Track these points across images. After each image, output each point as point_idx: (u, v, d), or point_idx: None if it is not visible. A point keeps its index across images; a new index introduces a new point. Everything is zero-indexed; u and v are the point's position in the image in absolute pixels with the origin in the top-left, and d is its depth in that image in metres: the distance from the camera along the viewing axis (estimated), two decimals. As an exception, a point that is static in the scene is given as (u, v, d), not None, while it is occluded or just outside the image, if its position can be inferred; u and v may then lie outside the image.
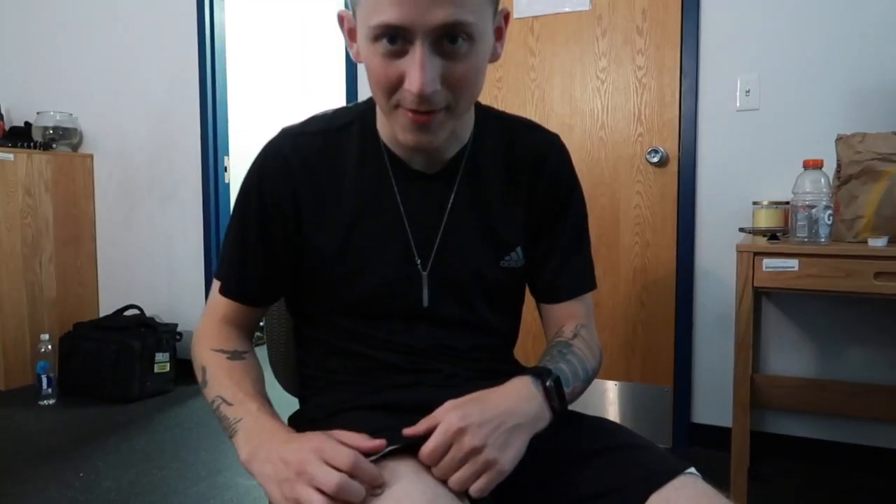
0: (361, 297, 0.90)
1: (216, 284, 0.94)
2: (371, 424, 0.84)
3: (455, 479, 0.71)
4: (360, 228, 0.89)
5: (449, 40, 0.74)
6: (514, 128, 0.96)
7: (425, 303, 0.90)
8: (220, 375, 0.86)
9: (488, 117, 0.96)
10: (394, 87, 0.76)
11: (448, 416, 0.72)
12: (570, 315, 0.96)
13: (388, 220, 0.89)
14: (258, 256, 0.91)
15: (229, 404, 0.82)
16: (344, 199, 0.89)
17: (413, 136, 0.79)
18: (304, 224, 0.89)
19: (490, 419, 0.73)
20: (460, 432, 0.71)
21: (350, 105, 0.96)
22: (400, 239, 0.89)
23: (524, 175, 0.94)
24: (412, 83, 0.73)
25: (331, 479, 0.66)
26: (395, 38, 0.73)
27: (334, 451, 0.69)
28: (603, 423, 0.89)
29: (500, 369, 0.95)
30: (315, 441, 0.71)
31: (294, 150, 0.88)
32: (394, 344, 0.91)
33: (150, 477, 2.17)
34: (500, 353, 1.00)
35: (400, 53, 0.74)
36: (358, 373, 0.92)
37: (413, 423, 0.85)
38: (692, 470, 0.78)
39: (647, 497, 0.74)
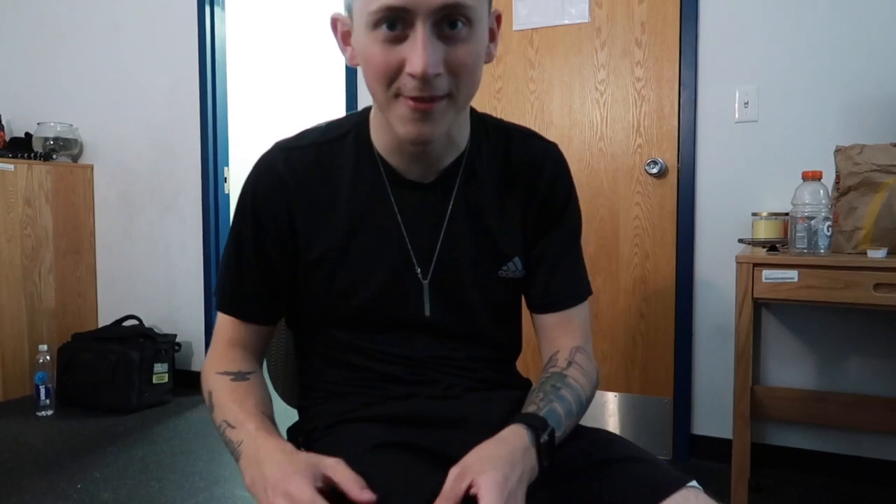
0: (360, 309, 0.89)
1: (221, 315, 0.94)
2: (369, 437, 0.84)
3: None
4: (357, 239, 0.88)
5: (448, 25, 0.74)
6: (512, 136, 0.95)
7: (426, 312, 0.89)
8: (223, 398, 0.85)
9: (485, 125, 0.95)
10: (394, 74, 0.75)
11: (493, 484, 0.66)
12: (565, 329, 0.94)
13: (385, 230, 0.88)
14: (256, 273, 0.90)
15: (232, 427, 0.80)
16: (340, 211, 0.88)
17: (414, 127, 0.77)
18: (300, 238, 0.89)
19: (519, 482, 0.70)
20: (511, 497, 0.67)
21: (345, 116, 0.95)
22: (399, 249, 0.89)
23: (521, 184, 0.93)
24: (415, 66, 0.72)
25: None
26: (395, 22, 0.73)
27: (300, 492, 0.67)
28: (603, 434, 0.88)
29: (499, 381, 0.95)
30: (281, 482, 0.69)
31: (287, 165, 0.88)
32: (392, 355, 0.90)
33: (147, 488, 2.16)
34: (500, 364, 0.98)
35: (400, 39, 0.74)
36: (356, 384, 0.92)
37: (411, 435, 0.84)
38: (694, 483, 0.77)
39: None
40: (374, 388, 0.91)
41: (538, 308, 0.96)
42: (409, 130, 0.78)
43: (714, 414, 2.39)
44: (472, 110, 0.93)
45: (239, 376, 0.87)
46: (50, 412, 2.94)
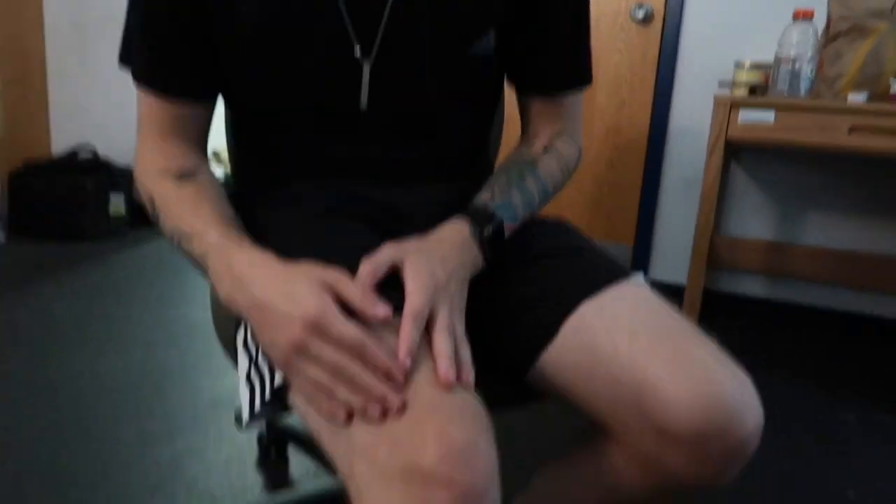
0: (283, 97, 0.73)
1: (140, 92, 0.75)
2: (314, 201, 0.76)
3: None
4: (278, 10, 0.68)
5: None
6: None
7: (364, 103, 0.73)
8: (170, 204, 0.70)
9: None
10: None
11: (419, 270, 0.59)
12: (555, 113, 0.83)
13: None
14: (176, 31, 0.70)
15: (188, 238, 0.67)
16: None
17: None
18: (212, 6, 0.69)
19: (450, 277, 0.62)
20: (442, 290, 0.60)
21: None
22: (332, 18, 0.69)
23: None
24: None
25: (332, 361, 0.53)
26: None
27: (339, 328, 0.53)
28: (558, 225, 0.81)
29: (462, 174, 0.84)
30: (311, 303, 0.53)
31: None
32: (323, 160, 0.77)
33: (101, 307, 2.14)
34: (465, 160, 0.86)
35: None
36: (289, 191, 0.80)
37: (356, 206, 0.76)
38: (640, 278, 0.71)
39: (578, 303, 0.67)
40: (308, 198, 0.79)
41: (529, 91, 0.83)
42: None
43: (673, 262, 2.42)
44: None
45: (184, 174, 0.72)
46: (1, 240, 2.86)
